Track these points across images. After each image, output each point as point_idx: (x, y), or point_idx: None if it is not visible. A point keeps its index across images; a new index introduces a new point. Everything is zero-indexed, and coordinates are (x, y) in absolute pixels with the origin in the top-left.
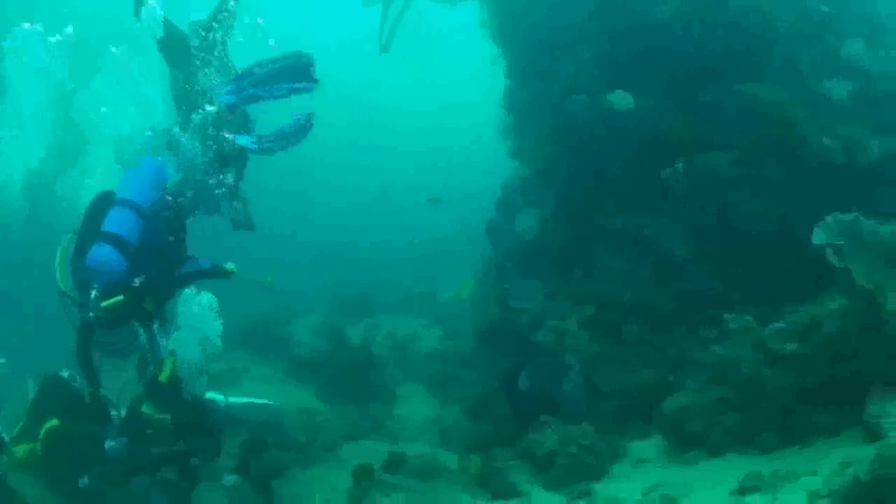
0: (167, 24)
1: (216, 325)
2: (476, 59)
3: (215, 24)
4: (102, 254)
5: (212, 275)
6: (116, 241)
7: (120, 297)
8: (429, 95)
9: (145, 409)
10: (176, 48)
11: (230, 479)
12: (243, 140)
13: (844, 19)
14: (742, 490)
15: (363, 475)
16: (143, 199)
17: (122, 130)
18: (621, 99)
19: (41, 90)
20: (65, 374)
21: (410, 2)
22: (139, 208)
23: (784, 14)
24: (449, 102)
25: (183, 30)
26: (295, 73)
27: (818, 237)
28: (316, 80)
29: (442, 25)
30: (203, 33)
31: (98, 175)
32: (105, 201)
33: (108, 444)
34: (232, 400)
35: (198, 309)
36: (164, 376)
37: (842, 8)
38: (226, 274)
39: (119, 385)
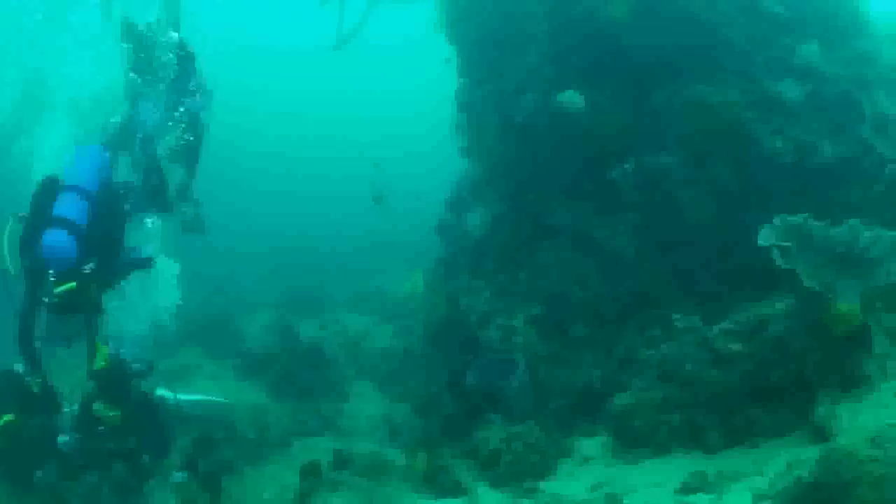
0: (131, 26)
1: (173, 296)
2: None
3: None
4: (56, 239)
5: (144, 265)
6: (68, 227)
7: (72, 284)
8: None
9: (97, 405)
10: (139, 50)
11: (179, 476)
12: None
13: (801, 21)
14: (686, 489)
15: (310, 473)
16: (91, 184)
17: (83, 93)
18: (571, 99)
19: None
20: (18, 368)
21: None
22: (88, 194)
23: (738, 15)
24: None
25: (148, 33)
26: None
27: (764, 238)
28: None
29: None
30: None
31: (54, 140)
32: (52, 186)
33: (61, 439)
34: (182, 397)
35: (154, 277)
36: (98, 363)
37: (799, 10)
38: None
39: (72, 378)
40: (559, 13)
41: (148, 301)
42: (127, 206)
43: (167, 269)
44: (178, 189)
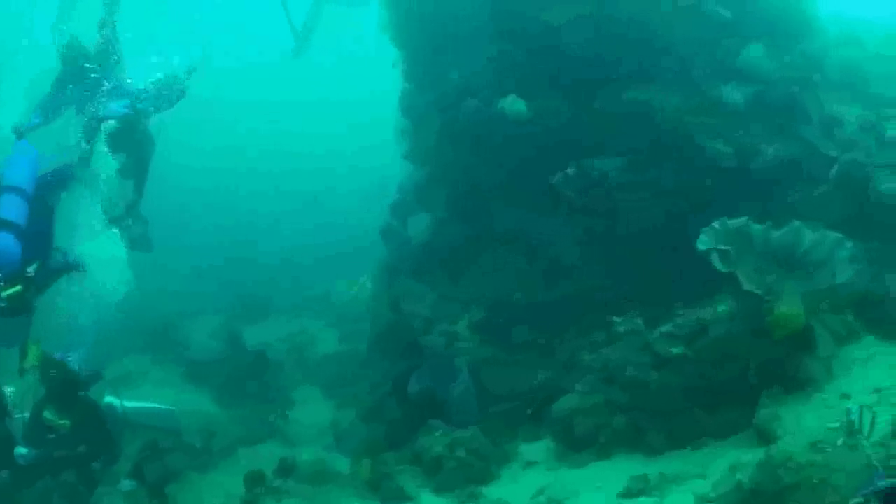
0: (73, 41)
1: (120, 286)
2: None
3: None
4: (2, 243)
5: (73, 268)
6: (13, 229)
7: (19, 287)
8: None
9: (47, 413)
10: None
11: (126, 484)
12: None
13: (747, 23)
14: (629, 493)
15: (255, 481)
16: (28, 184)
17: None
18: (513, 104)
19: None
20: None
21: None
22: (26, 194)
23: (682, 19)
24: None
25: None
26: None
27: (703, 242)
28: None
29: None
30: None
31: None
32: None
33: (18, 450)
34: (129, 404)
35: (102, 264)
36: (27, 362)
37: (744, 12)
38: (78, 267)
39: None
40: (502, 18)
41: (93, 291)
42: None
43: (114, 255)
44: (126, 207)
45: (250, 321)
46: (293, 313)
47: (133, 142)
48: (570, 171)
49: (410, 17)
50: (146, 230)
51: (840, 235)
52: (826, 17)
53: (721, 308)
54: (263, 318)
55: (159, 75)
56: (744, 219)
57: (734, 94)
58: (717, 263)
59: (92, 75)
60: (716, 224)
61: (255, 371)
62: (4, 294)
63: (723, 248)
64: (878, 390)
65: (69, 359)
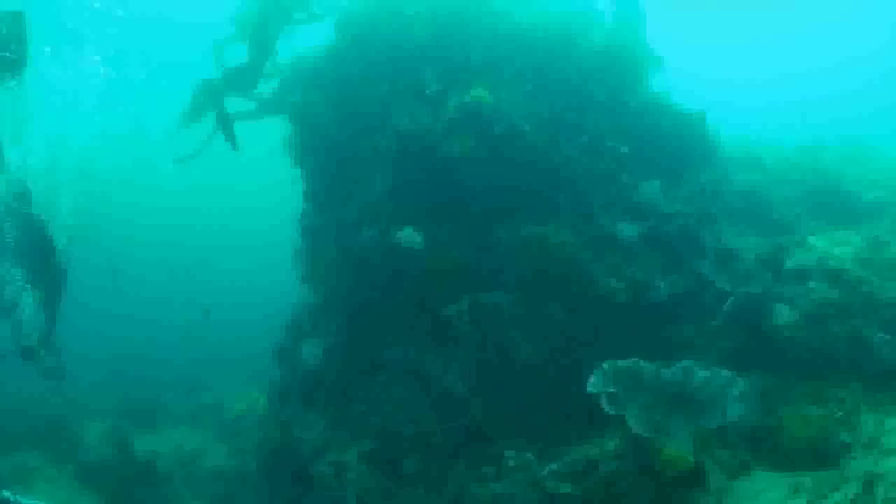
0: None
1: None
2: None
3: None
4: None
5: None
6: None
7: None
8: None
9: None
10: None
11: None
12: None
13: (646, 158)
14: None
15: None
16: None
17: None
18: (409, 237)
19: None
20: None
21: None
22: None
23: (581, 155)
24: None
25: None
26: None
27: (593, 385)
28: None
29: None
30: None
31: None
32: None
33: None
34: (25, 501)
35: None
36: None
37: (645, 147)
38: None
39: None
40: (401, 148)
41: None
42: None
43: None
44: (40, 338)
45: (141, 426)
46: (185, 421)
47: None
48: (463, 303)
49: (313, 136)
50: (60, 361)
51: (731, 374)
52: (730, 141)
53: (610, 445)
54: (153, 424)
55: None
56: (633, 360)
57: (629, 230)
58: (606, 406)
59: None
60: (605, 365)
61: (145, 481)
62: None
63: (611, 390)
64: None
65: None
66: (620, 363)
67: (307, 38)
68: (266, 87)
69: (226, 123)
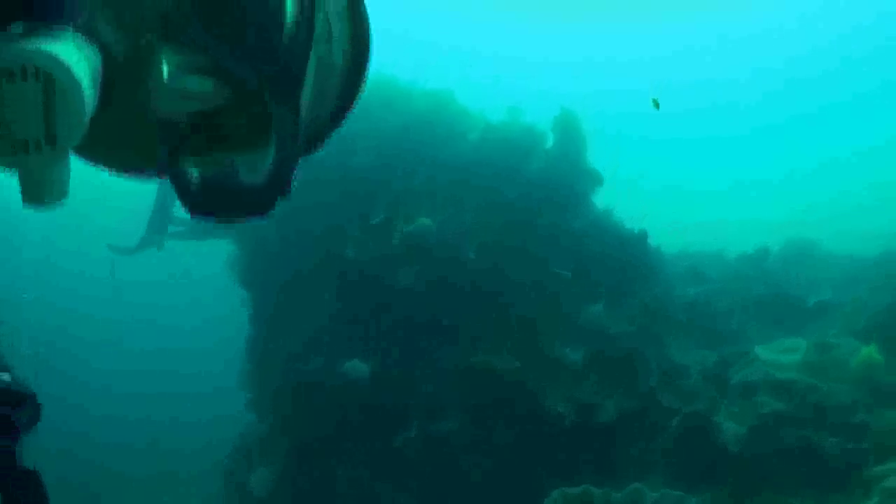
0: None
1: None
2: None
3: None
4: None
5: None
6: None
7: None
8: None
9: None
10: None
11: None
12: None
13: (590, 281)
14: None
15: None
16: None
17: None
18: (356, 368)
19: None
20: None
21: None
22: None
23: (526, 281)
24: None
25: None
26: None
27: None
28: None
29: None
30: None
31: None
32: None
33: None
34: None
35: None
36: None
37: (589, 269)
38: None
39: None
40: (348, 277)
41: None
42: None
43: None
44: None
45: None
46: None
47: None
48: (411, 432)
49: (257, 258)
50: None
51: (680, 494)
52: (673, 254)
53: None
54: None
55: None
56: (584, 486)
57: (574, 354)
58: None
59: None
60: (555, 494)
61: None
62: None
63: None
64: None
65: None
66: (570, 490)
67: None
68: None
69: None
